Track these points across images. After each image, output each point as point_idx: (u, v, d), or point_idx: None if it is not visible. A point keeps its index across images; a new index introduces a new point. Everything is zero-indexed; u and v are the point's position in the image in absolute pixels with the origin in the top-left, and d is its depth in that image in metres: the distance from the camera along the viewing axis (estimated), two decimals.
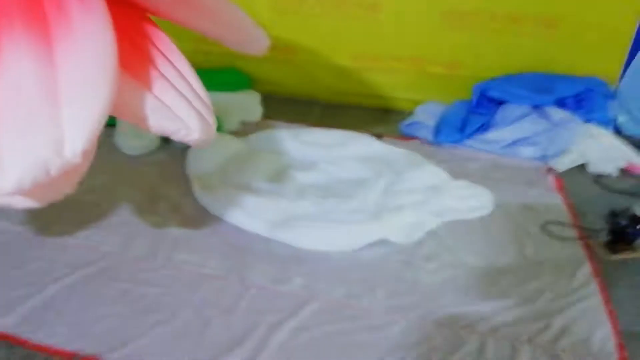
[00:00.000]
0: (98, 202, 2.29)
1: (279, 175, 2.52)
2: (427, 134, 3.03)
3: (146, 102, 1.11)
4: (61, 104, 0.87)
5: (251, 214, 2.17)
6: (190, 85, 1.27)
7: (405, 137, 3.11)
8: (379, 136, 2.95)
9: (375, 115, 3.48)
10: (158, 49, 1.25)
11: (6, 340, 1.54)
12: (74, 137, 0.86)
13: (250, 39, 1.70)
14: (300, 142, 2.82)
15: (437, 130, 3.01)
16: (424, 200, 2.35)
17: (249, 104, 3.33)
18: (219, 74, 3.55)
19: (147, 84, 1.13)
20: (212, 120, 1.26)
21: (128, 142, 2.78)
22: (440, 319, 1.71)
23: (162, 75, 1.18)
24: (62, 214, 2.16)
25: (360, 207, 2.27)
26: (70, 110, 0.87)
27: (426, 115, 3.21)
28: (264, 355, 1.52)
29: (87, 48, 0.93)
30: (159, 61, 1.21)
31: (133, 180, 2.50)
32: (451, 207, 2.36)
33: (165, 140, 2.90)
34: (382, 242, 2.10)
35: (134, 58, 1.14)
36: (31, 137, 0.84)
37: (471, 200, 2.41)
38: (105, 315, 1.65)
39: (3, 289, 1.73)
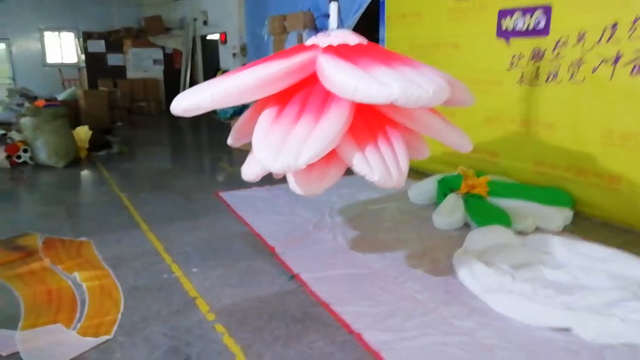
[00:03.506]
0: (395, 245, 3.47)
1: (527, 266, 3.00)
2: None
3: (354, 154, 2.24)
4: (306, 144, 2.11)
5: (475, 277, 2.84)
6: (395, 157, 2.31)
7: None
8: None
9: None
10: (387, 136, 2.37)
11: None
12: (303, 157, 2.07)
13: (455, 143, 2.57)
14: (568, 250, 3.16)
15: None
16: None
17: (552, 215, 3.79)
18: (542, 190, 4.17)
19: (362, 148, 2.26)
20: (395, 178, 2.25)
21: (440, 220, 3.86)
22: None
23: (377, 147, 2.29)
24: (368, 244, 3.46)
25: (570, 302, 2.55)
26: (307, 147, 2.09)
27: None
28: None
29: (327, 125, 2.15)
30: (381, 141, 2.33)
31: (425, 240, 3.55)
32: None
33: (467, 225, 3.82)
34: (567, 333, 2.37)
35: (361, 133, 2.30)
36: (289, 151, 2.10)
37: None
38: (345, 292, 2.77)
39: (315, 265, 3.12)
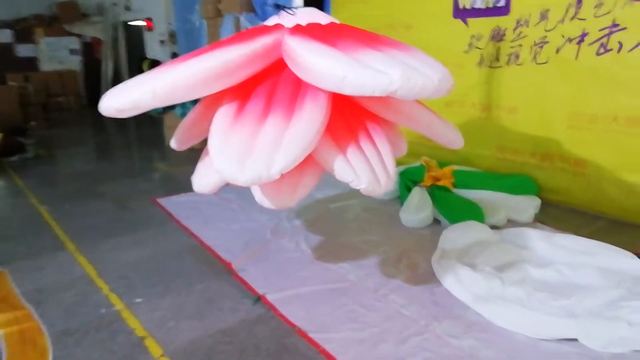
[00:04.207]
0: (366, 249, 3.13)
1: (511, 265, 2.77)
2: None
3: (336, 158, 1.86)
4: (279, 148, 1.71)
5: (462, 284, 2.56)
6: (381, 158, 1.95)
7: None
8: None
9: None
10: (368, 134, 1.99)
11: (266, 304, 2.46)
12: (277, 165, 1.68)
13: (446, 139, 2.25)
14: (549, 243, 2.96)
15: None
16: None
17: (523, 206, 3.61)
18: (508, 178, 3.98)
19: (343, 150, 1.88)
20: (384, 183, 1.89)
21: (409, 218, 3.56)
22: None
23: (360, 148, 1.92)
24: (337, 251, 3.10)
25: (569, 306, 2.32)
26: (281, 153, 1.69)
27: None
28: None
29: (303, 124, 1.75)
30: (363, 140, 1.95)
31: (397, 242, 3.24)
32: None
33: (437, 221, 3.56)
34: (575, 343, 2.13)
35: (343, 134, 1.92)
36: (258, 158, 1.70)
37: None
38: (323, 314, 2.40)
39: (281, 281, 2.72)
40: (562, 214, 3.72)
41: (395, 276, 2.77)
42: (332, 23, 2.10)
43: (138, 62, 9.89)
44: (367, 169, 1.87)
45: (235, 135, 1.81)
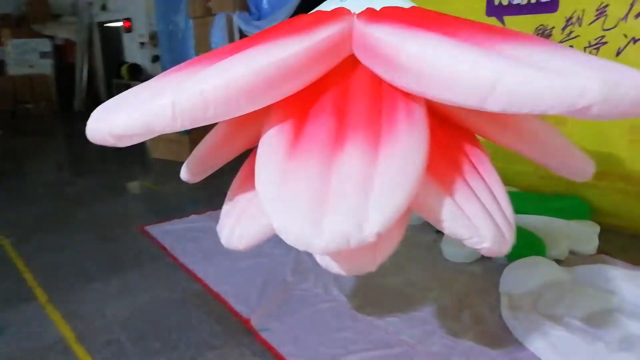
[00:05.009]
0: (412, 295, 2.54)
1: (602, 316, 2.23)
2: None
3: (444, 206, 1.27)
4: (371, 194, 1.12)
5: (557, 350, 2.00)
6: (496, 200, 1.37)
7: None
8: None
9: None
10: (472, 164, 1.41)
11: None
12: (373, 221, 1.09)
13: (575, 169, 1.68)
14: (638, 285, 2.43)
15: None
16: None
17: (583, 234, 3.08)
18: (557, 200, 3.45)
19: (449, 191, 1.30)
20: (509, 236, 1.32)
21: (454, 252, 2.98)
22: None
23: (468, 185, 1.33)
24: (377, 297, 2.50)
25: None
26: (377, 201, 1.11)
27: None
28: None
29: (403, 155, 1.17)
30: (469, 174, 1.37)
31: (447, 284, 2.67)
32: None
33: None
34: None
35: (443, 167, 1.34)
36: (341, 212, 1.11)
37: None
38: None
39: (318, 346, 2.12)
40: (626, 242, 3.20)
41: (461, 335, 2.19)
42: (416, 7, 1.51)
43: (116, 66, 9.16)
44: (486, 218, 1.28)
45: (297, 174, 1.20)
